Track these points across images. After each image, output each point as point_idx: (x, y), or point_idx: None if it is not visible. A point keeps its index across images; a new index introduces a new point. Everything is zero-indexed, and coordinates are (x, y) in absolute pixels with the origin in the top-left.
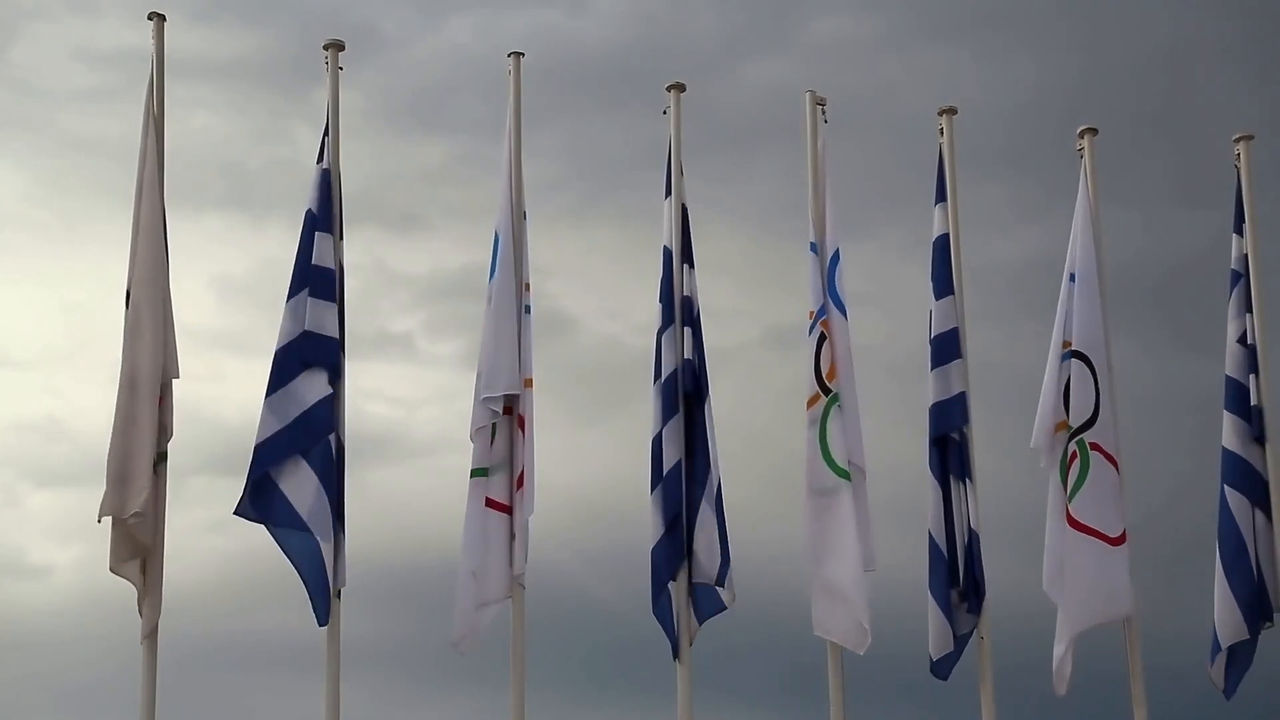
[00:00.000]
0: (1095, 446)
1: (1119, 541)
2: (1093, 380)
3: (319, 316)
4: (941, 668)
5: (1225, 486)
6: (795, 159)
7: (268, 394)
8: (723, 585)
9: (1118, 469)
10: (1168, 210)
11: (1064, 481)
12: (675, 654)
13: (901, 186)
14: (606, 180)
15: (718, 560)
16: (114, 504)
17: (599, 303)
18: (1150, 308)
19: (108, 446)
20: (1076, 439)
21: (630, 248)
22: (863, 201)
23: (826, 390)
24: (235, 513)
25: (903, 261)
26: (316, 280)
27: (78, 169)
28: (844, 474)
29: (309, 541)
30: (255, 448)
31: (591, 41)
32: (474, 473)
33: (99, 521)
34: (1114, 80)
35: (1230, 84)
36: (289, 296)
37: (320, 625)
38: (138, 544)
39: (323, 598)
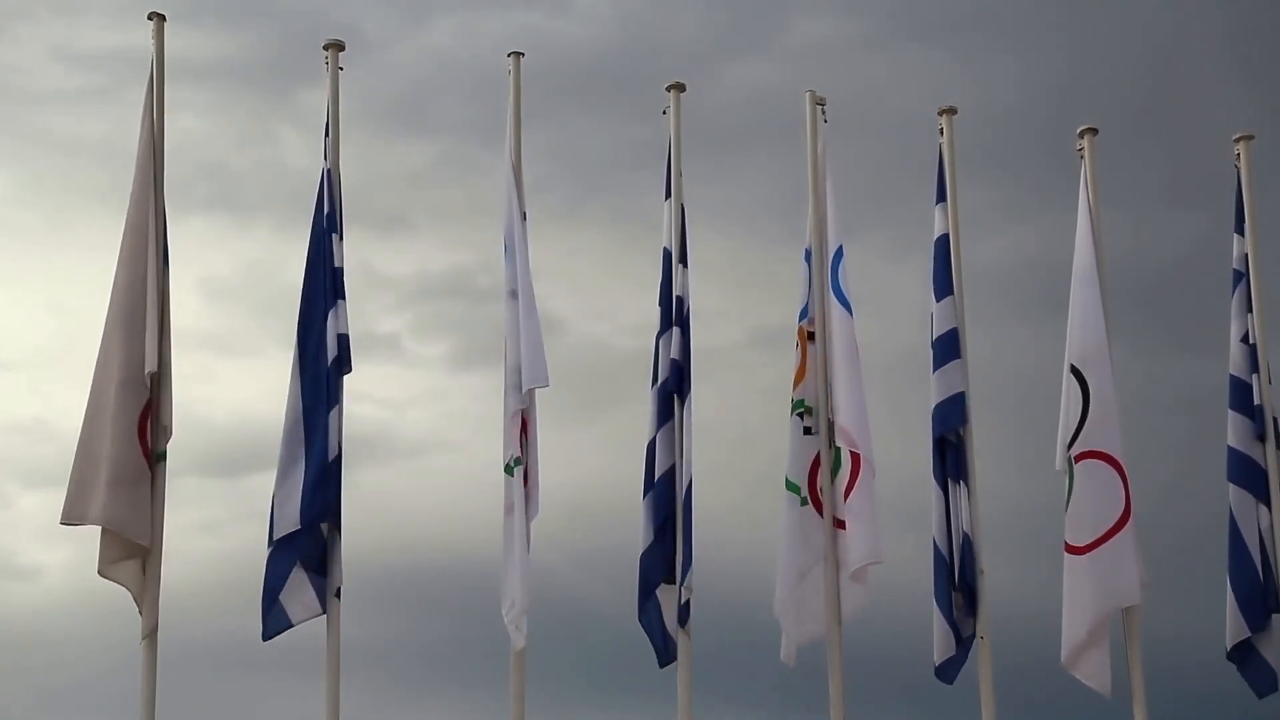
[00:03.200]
0: (1082, 456)
1: (1118, 528)
2: (1081, 392)
3: (341, 320)
4: (945, 672)
5: (1230, 485)
6: (780, 160)
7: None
8: (684, 584)
9: (1116, 465)
10: (1156, 211)
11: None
12: (661, 662)
13: (886, 189)
14: (592, 182)
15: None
16: (73, 510)
17: (586, 304)
18: (1138, 309)
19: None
20: (1066, 457)
21: (617, 249)
22: (848, 203)
23: (793, 402)
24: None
25: (888, 264)
26: (337, 281)
27: (61, 170)
28: (790, 486)
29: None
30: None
31: (574, 43)
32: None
33: (60, 524)
34: (1101, 81)
35: (1221, 84)
36: (329, 306)
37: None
38: (129, 547)
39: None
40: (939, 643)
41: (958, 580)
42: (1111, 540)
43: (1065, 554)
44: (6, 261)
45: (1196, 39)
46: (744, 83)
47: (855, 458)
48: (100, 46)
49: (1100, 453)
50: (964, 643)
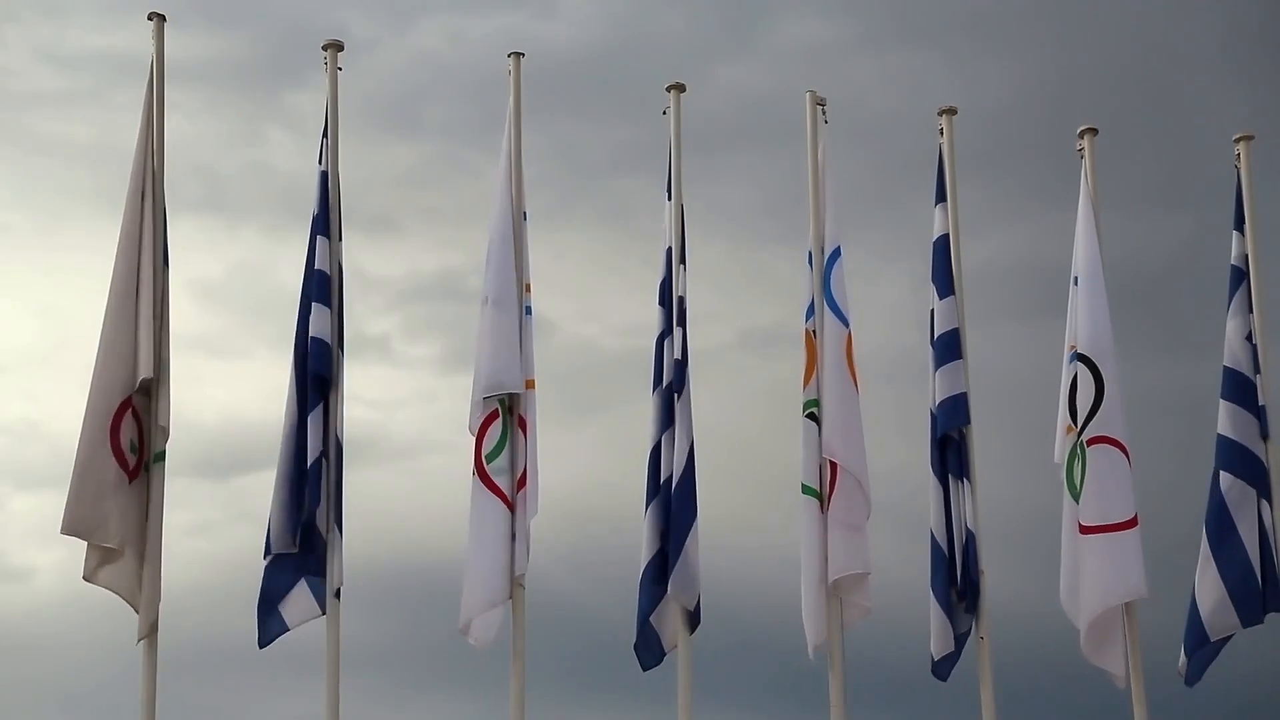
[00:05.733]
0: (1095, 441)
1: (1129, 525)
2: (1093, 379)
3: (319, 322)
4: (942, 668)
5: (1222, 473)
6: (771, 162)
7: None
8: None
9: (1126, 453)
10: (1155, 211)
11: (1071, 489)
12: (644, 667)
13: (878, 191)
14: (582, 184)
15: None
16: (74, 523)
17: (578, 305)
18: (1134, 309)
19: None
20: (1077, 441)
21: (606, 250)
22: (842, 205)
23: (805, 402)
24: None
25: (878, 266)
26: (317, 284)
27: (49, 172)
28: (806, 490)
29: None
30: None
31: (562, 46)
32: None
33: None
34: (1100, 82)
35: (1220, 84)
36: (306, 309)
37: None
38: (107, 551)
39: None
40: (936, 639)
41: (960, 578)
42: (1125, 531)
43: (1079, 535)
44: None
45: (1196, 39)
46: (732, 85)
47: (834, 466)
48: (88, 48)
49: (1113, 439)
50: (959, 639)
